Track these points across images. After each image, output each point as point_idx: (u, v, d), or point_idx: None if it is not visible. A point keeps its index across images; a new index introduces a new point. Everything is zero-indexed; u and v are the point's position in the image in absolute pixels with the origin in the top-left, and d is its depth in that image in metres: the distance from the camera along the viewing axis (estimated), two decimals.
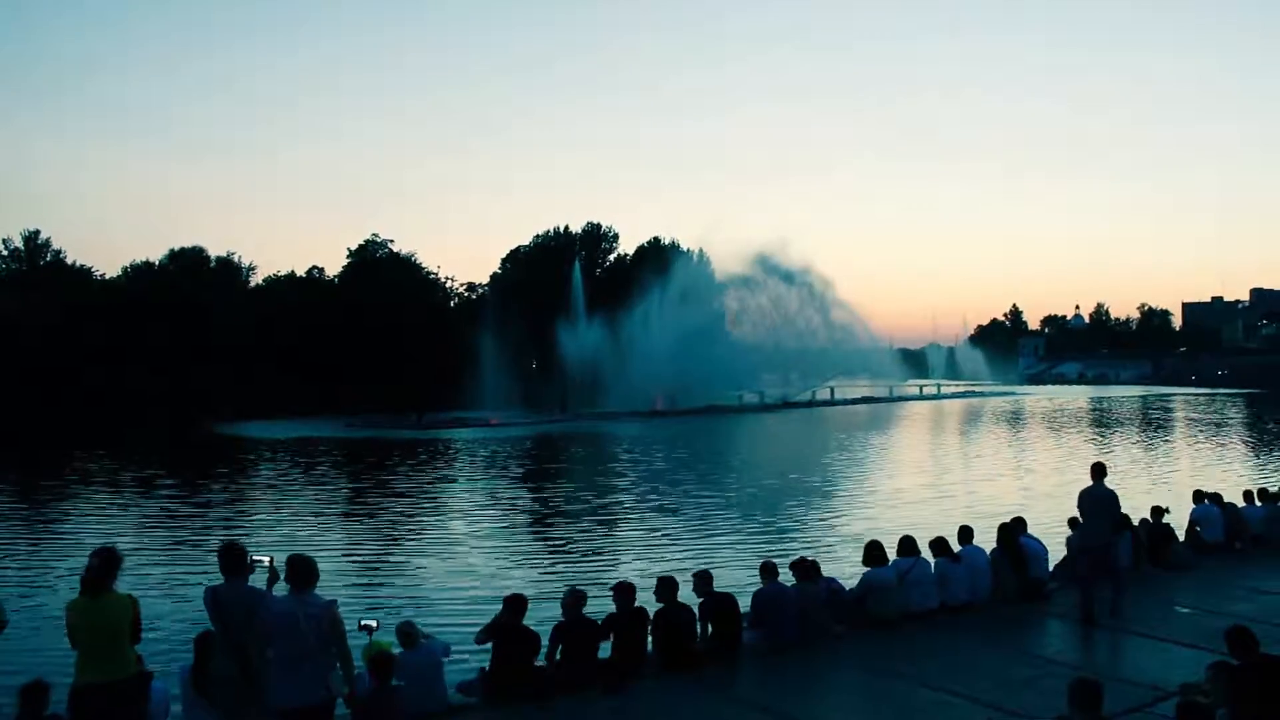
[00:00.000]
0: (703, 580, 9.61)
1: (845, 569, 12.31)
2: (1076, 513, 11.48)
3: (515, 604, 8.49)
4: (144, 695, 6.59)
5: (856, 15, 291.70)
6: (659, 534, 19.48)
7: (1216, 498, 15.11)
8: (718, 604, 9.46)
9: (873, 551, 10.78)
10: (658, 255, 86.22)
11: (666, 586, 9.23)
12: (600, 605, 9.61)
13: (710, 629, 9.39)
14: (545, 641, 8.54)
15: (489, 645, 8.36)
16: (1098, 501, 10.88)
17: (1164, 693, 7.95)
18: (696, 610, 9.40)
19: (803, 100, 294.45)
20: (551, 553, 18.05)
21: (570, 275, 72.84)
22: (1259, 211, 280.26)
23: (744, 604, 9.97)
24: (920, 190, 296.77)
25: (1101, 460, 11.75)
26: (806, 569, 10.28)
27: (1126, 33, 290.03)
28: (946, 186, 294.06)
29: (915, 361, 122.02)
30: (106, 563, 6.25)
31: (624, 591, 9.02)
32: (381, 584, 15.32)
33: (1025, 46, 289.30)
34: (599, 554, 17.55)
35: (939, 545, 11.26)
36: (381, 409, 57.20)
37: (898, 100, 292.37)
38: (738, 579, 12.67)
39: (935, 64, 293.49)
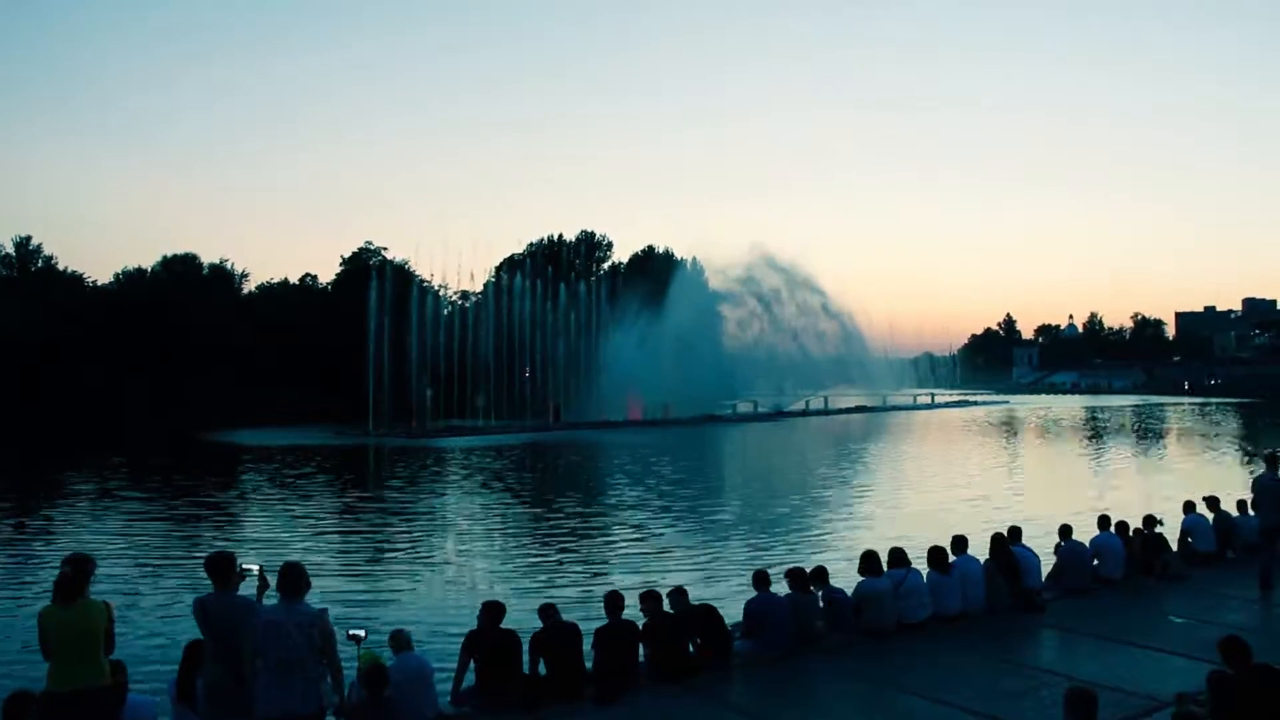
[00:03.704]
0: (679, 595, 9.57)
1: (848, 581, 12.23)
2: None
3: (492, 610, 8.45)
4: (117, 706, 6.47)
5: (853, 26, 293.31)
6: (662, 546, 19.35)
7: (1214, 502, 15.09)
8: (698, 616, 9.42)
9: (868, 561, 10.72)
10: (651, 264, 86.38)
11: (650, 599, 9.21)
12: (570, 614, 9.54)
13: (698, 641, 9.33)
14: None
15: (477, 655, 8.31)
16: (1267, 488, 12.90)
17: (1158, 702, 7.92)
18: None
19: (797, 110, 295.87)
20: (546, 566, 17.93)
21: (563, 285, 72.78)
22: (1251, 222, 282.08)
23: (738, 614, 9.96)
24: (914, 200, 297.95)
25: (1275, 452, 13.47)
26: (801, 579, 10.23)
27: (1121, 44, 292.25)
28: (941, 196, 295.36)
29: (909, 371, 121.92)
30: (79, 569, 6.16)
31: (613, 602, 8.97)
32: (369, 595, 15.22)
33: (1020, 57, 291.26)
34: (599, 567, 17.44)
35: (933, 556, 11.21)
36: (373, 417, 57.11)
37: (892, 110, 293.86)
38: (718, 592, 12.57)
39: (931, 74, 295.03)
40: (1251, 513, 15.26)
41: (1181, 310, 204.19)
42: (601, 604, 9.05)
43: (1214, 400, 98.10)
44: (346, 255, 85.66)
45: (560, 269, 78.26)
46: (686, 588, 9.86)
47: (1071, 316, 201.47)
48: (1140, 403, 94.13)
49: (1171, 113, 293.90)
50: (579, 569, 17.08)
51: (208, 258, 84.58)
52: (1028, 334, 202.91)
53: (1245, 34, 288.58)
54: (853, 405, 78.45)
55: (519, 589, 14.91)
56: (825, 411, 74.60)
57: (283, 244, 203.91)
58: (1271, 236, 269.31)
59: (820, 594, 10.40)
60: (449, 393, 63.77)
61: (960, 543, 11.69)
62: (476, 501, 26.93)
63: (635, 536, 20.54)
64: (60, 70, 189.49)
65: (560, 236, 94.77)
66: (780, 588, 10.24)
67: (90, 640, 6.04)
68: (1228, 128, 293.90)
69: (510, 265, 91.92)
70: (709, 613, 9.52)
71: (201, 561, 6.78)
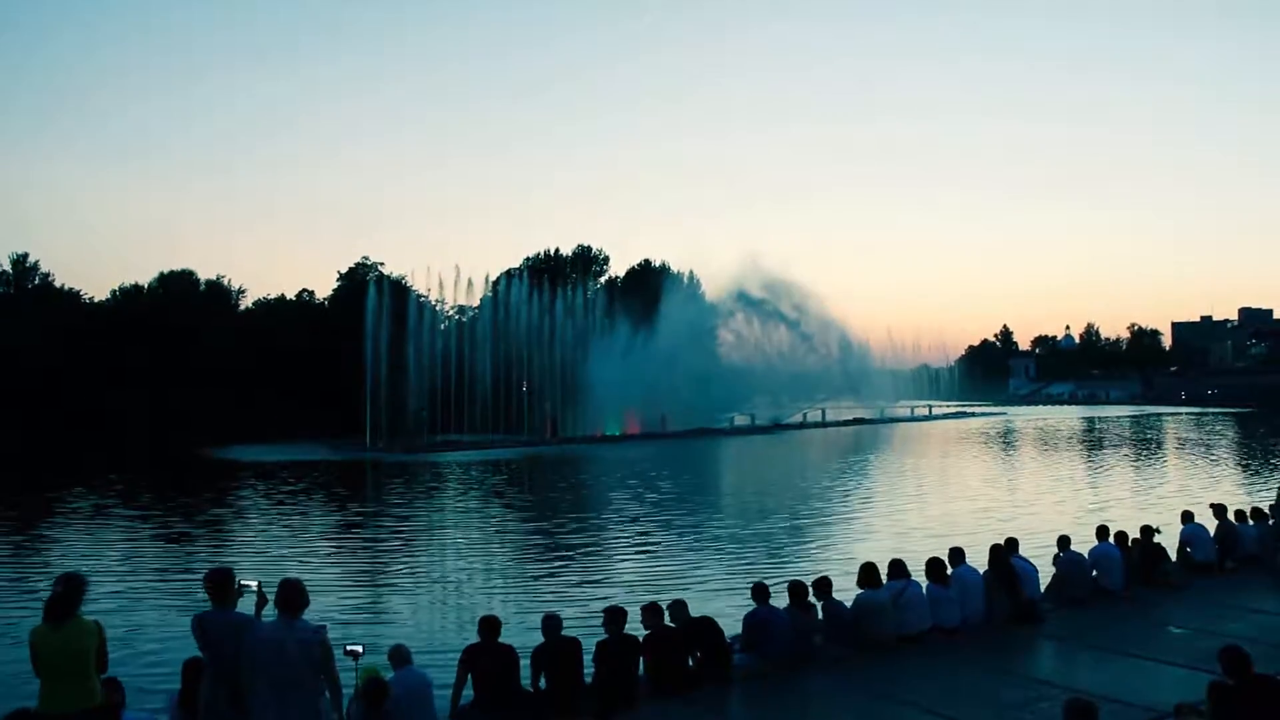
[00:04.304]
0: (679, 608, 9.57)
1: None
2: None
3: (490, 625, 8.43)
4: None
5: (850, 37, 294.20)
6: (662, 559, 19.31)
7: (1220, 510, 15.07)
8: (699, 629, 9.41)
9: (866, 573, 10.71)
10: (648, 277, 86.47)
11: (651, 612, 9.20)
12: (570, 628, 9.51)
13: (697, 654, 9.32)
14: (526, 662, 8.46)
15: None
16: None
17: (1158, 713, 7.91)
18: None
19: (795, 122, 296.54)
20: (545, 581, 17.88)
21: (559, 299, 72.80)
22: (1247, 232, 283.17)
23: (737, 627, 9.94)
24: (910, 212, 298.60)
25: None
26: (800, 592, 10.21)
27: (1118, 56, 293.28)
28: (937, 208, 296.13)
29: (907, 382, 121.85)
30: (71, 588, 6.12)
31: (615, 616, 8.95)
32: (367, 610, 15.18)
33: (1018, 70, 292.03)
34: (598, 581, 17.36)
35: (932, 567, 11.20)
36: (371, 431, 57.05)
37: (890, 122, 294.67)
38: (718, 605, 12.53)
39: (929, 86, 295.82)
40: (1251, 522, 15.31)
41: (1178, 320, 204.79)
42: (600, 618, 9.04)
43: (1211, 410, 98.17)
44: (343, 270, 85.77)
45: (557, 283, 78.26)
46: (686, 600, 9.85)
47: (1068, 327, 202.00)
48: (1138, 413, 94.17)
49: (1169, 124, 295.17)
50: (578, 583, 17.03)
51: (205, 274, 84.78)
52: (1024, 345, 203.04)
53: (1244, 43, 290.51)
54: (850, 418, 78.38)
55: (518, 604, 14.89)
56: (823, 424, 74.57)
57: (280, 260, 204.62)
58: (1268, 246, 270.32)
59: (821, 605, 10.38)
60: (446, 407, 63.70)
61: (958, 554, 11.68)
62: (474, 516, 26.87)
63: (635, 550, 20.51)
64: (56, 86, 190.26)
65: (557, 250, 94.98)
66: (780, 600, 10.23)
67: (81, 660, 5.98)
68: (1224, 137, 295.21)
69: (507, 279, 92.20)
70: (709, 625, 9.51)
71: (199, 578, 6.76)
